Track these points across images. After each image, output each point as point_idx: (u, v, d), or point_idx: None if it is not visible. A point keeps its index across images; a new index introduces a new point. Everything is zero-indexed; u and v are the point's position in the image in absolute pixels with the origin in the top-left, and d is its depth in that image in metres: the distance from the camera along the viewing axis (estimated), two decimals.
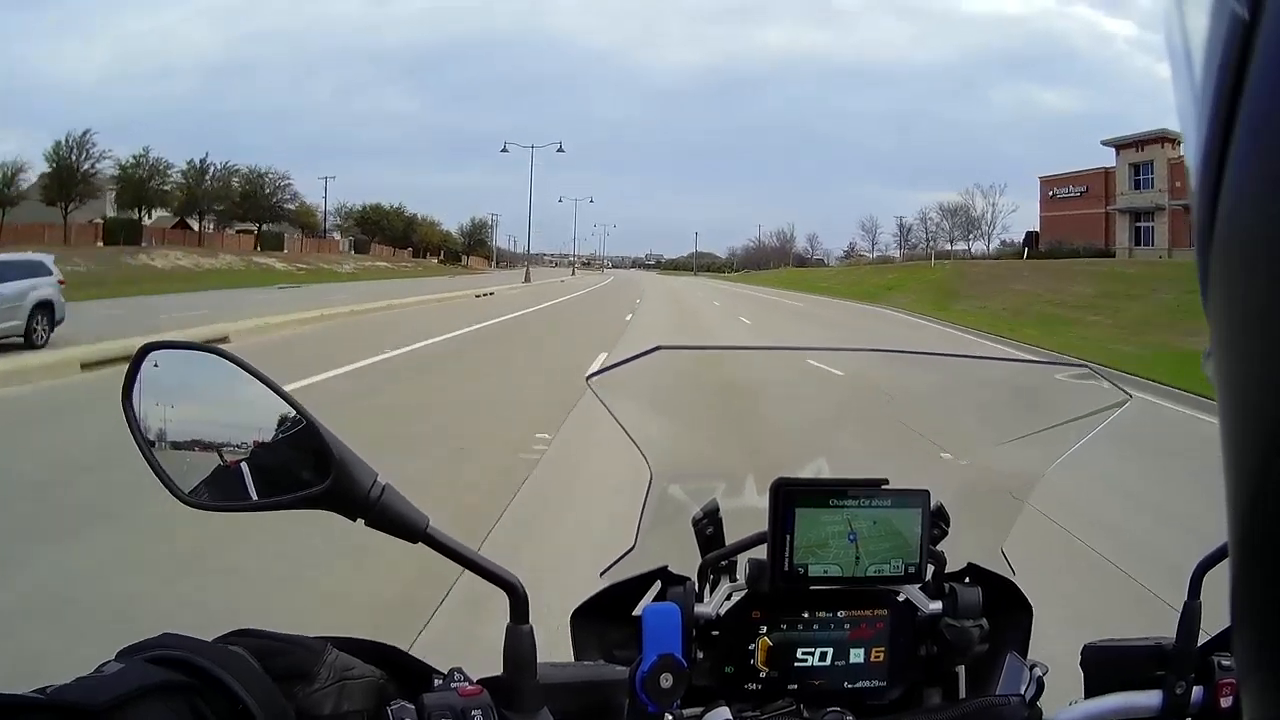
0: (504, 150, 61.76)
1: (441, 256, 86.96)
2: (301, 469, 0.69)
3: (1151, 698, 0.92)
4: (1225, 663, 0.92)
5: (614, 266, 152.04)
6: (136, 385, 0.71)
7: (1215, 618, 0.87)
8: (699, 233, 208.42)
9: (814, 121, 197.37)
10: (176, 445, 0.71)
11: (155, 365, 0.72)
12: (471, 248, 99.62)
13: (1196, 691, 0.91)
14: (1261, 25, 0.26)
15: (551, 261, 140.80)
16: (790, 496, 0.90)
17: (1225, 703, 0.90)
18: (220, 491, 0.71)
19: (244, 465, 0.70)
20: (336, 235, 72.67)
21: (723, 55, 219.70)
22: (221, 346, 0.72)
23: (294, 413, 0.70)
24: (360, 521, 0.70)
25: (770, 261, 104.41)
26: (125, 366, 0.72)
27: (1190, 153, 0.29)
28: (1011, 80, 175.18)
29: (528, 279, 50.71)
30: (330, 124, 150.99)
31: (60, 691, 0.53)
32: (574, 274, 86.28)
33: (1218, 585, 0.37)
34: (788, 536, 0.90)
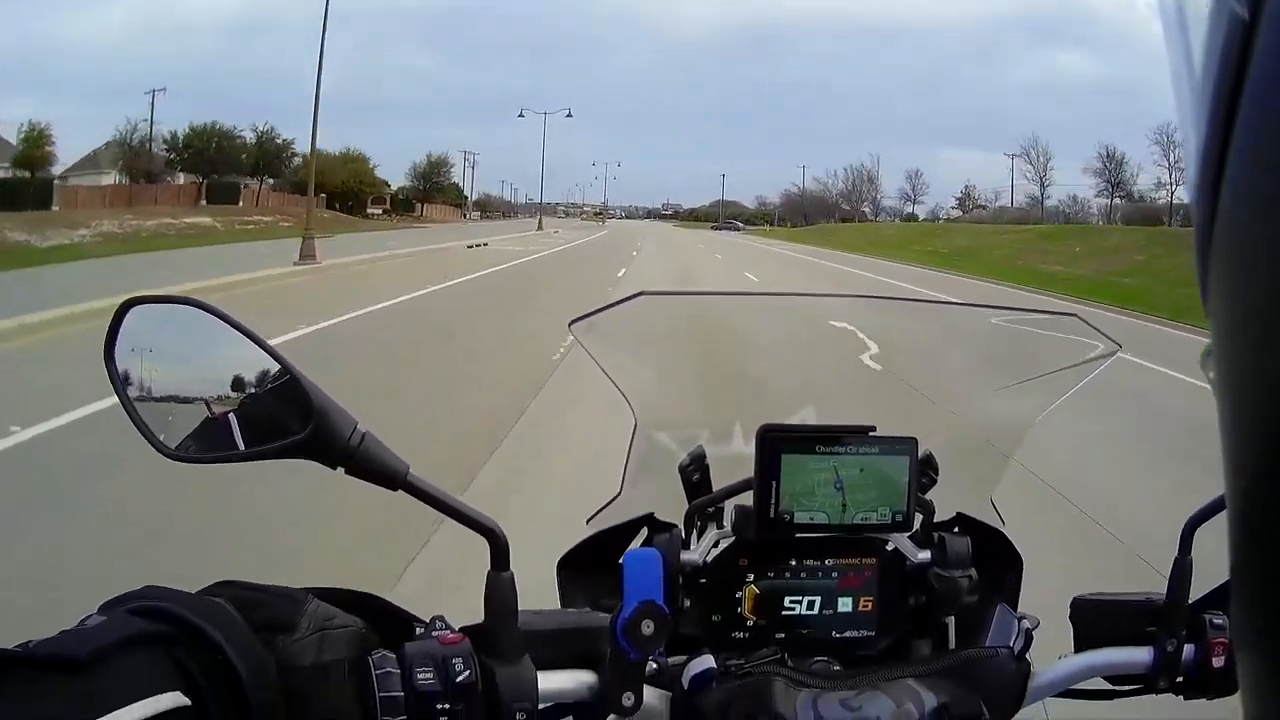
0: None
1: (387, 206, 71.09)
2: (284, 419, 0.69)
3: (1142, 654, 0.92)
4: (1217, 621, 0.92)
5: (626, 217, 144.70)
6: (118, 341, 0.71)
7: (1206, 574, 0.88)
8: (724, 182, 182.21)
9: (838, 79, 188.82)
10: (160, 400, 0.71)
11: (137, 320, 0.71)
12: (427, 194, 79.44)
13: (1188, 650, 0.91)
14: (1261, 25, 0.26)
15: (562, 211, 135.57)
16: (776, 443, 0.90)
17: (1217, 662, 0.90)
18: (204, 444, 0.71)
19: (230, 417, 0.70)
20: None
21: (746, 12, 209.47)
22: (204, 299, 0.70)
23: (276, 364, 0.70)
24: (340, 470, 0.70)
25: (812, 215, 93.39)
26: None
27: (1190, 152, 0.29)
28: (1036, 43, 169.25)
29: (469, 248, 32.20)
30: (349, 82, 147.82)
31: (42, 645, 0.54)
32: (540, 228, 64.13)
33: (1208, 541, 0.38)
34: (774, 483, 0.90)
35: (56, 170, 47.84)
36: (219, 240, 31.78)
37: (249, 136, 58.52)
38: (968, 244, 43.34)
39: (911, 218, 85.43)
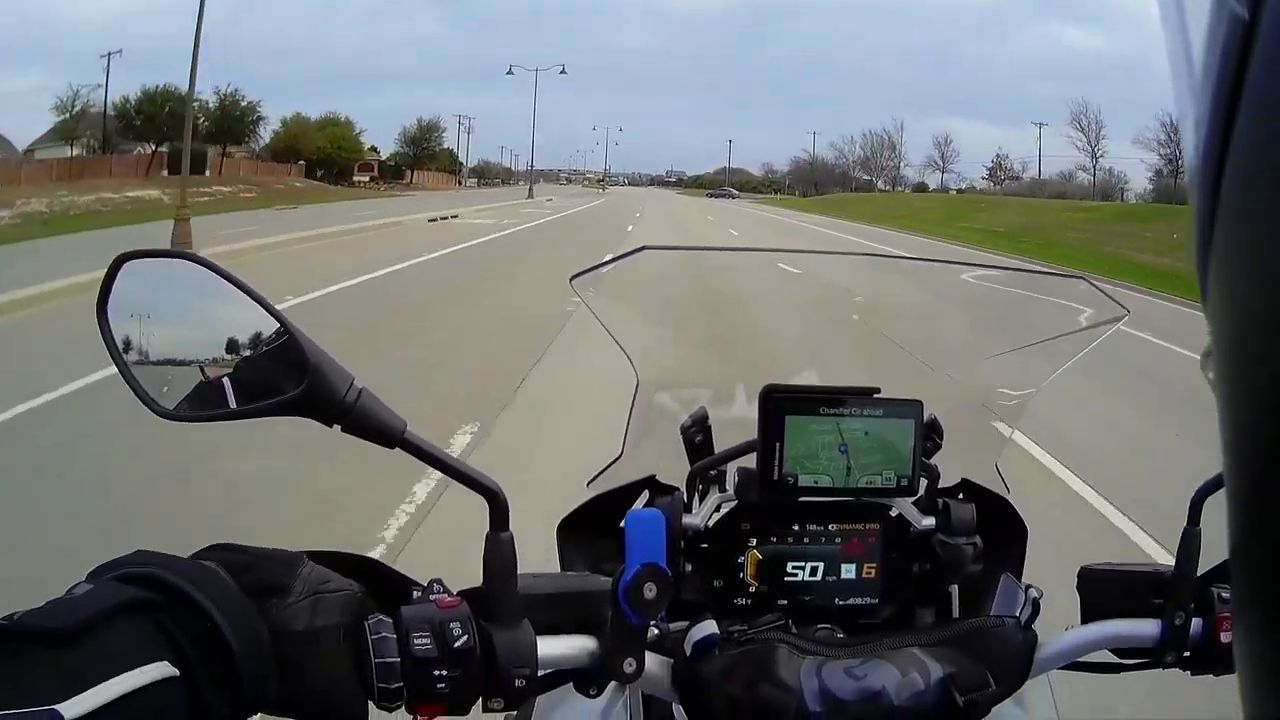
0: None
1: (375, 173, 66.71)
2: (280, 377, 0.68)
3: (1149, 627, 0.91)
4: (1225, 595, 0.90)
5: (630, 184, 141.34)
6: (112, 297, 0.69)
7: (1216, 545, 0.87)
8: (731, 149, 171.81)
9: (833, 53, 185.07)
10: (155, 358, 0.69)
11: (131, 275, 0.69)
12: (418, 160, 75.51)
13: (1196, 624, 0.90)
14: (1261, 25, 0.25)
15: (565, 178, 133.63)
16: (780, 404, 0.89)
17: (1225, 638, 0.89)
18: (199, 401, 0.69)
19: (224, 375, 0.69)
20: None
21: None
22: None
23: (272, 319, 0.68)
24: (337, 428, 0.68)
25: (823, 184, 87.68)
26: None
27: (1190, 152, 0.29)
28: (1038, 16, 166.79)
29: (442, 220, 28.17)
30: (355, 53, 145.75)
31: (27, 616, 0.53)
32: (531, 195, 58.60)
33: (1218, 511, 0.37)
34: (777, 445, 0.89)
35: (23, 144, 45.71)
36: (150, 217, 24.84)
37: (211, 100, 52.47)
38: (1025, 222, 36.28)
39: (921, 187, 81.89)
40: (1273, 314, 0.26)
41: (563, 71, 59.63)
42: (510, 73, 59.75)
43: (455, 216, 29.12)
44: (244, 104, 54.54)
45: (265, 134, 57.33)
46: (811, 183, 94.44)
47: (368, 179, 65.34)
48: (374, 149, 71.53)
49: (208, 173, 45.98)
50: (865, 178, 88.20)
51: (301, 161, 57.98)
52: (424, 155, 76.51)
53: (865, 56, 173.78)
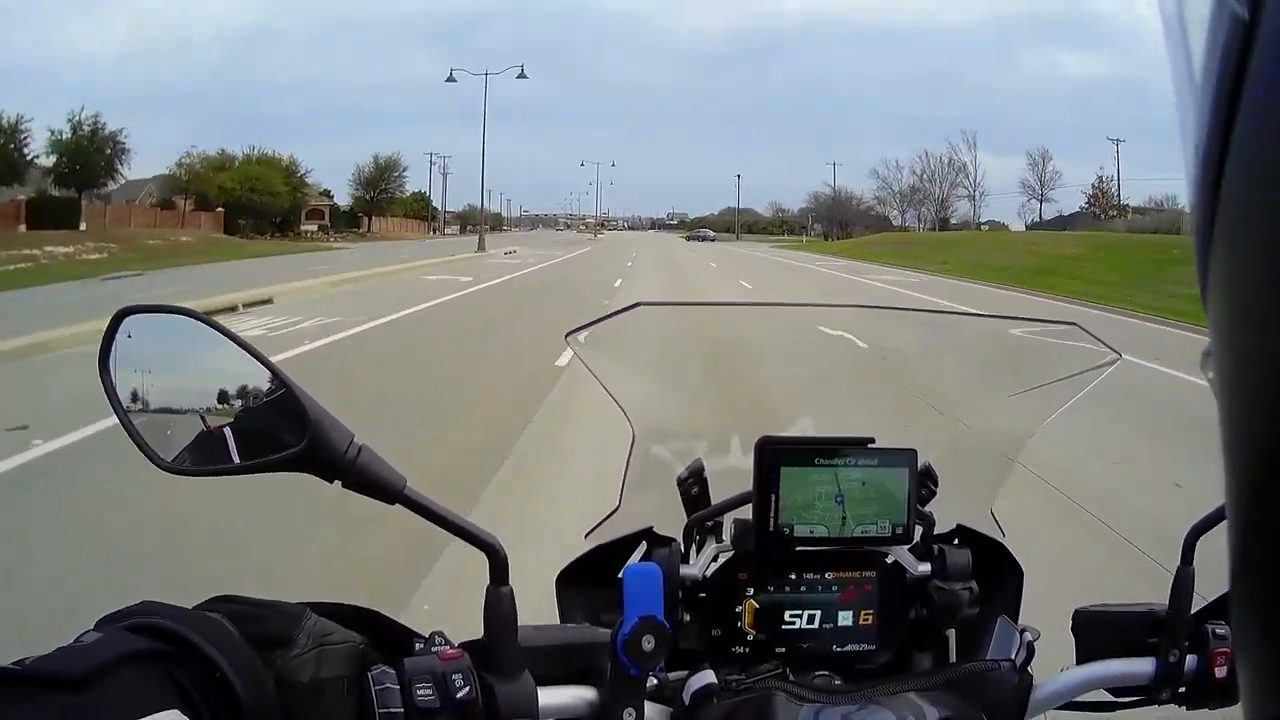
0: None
1: (325, 221, 59.28)
2: (279, 432, 0.69)
3: (1144, 665, 0.92)
4: (1220, 631, 0.91)
5: (629, 228, 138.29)
6: (113, 351, 0.70)
7: (1209, 583, 0.86)
8: (729, 193, 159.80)
9: (839, 86, 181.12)
10: (155, 411, 0.70)
11: (131, 332, 0.71)
12: (375, 205, 67.17)
13: (1190, 660, 0.91)
14: (1261, 25, 0.26)
15: (563, 223, 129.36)
16: (775, 455, 0.90)
17: (1220, 673, 0.90)
18: (200, 456, 0.70)
19: (225, 430, 0.69)
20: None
21: (744, 18, 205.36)
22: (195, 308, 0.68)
23: (271, 375, 0.69)
24: (338, 484, 0.69)
25: (845, 224, 75.15)
26: None
27: (1190, 152, 0.29)
28: (1038, 43, 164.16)
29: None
30: (352, 93, 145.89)
31: (38, 662, 0.53)
32: (481, 248, 40.65)
33: (1210, 550, 0.37)
34: (773, 496, 0.89)
35: None
36: None
37: (65, 130, 41.54)
38: None
39: (944, 223, 66.10)
40: (1273, 314, 0.26)
41: (521, 76, 50.13)
42: (452, 79, 49.45)
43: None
44: (103, 133, 43.05)
45: (127, 170, 45.97)
46: (835, 220, 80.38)
47: (315, 227, 59.31)
48: (326, 193, 65.02)
49: (84, 225, 36.39)
50: (897, 212, 74.21)
51: (220, 209, 49.10)
52: (382, 199, 69.11)
53: (867, 87, 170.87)
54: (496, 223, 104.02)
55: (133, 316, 0.71)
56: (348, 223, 63.52)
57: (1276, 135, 0.26)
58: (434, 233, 75.28)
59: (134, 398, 0.70)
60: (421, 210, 78.73)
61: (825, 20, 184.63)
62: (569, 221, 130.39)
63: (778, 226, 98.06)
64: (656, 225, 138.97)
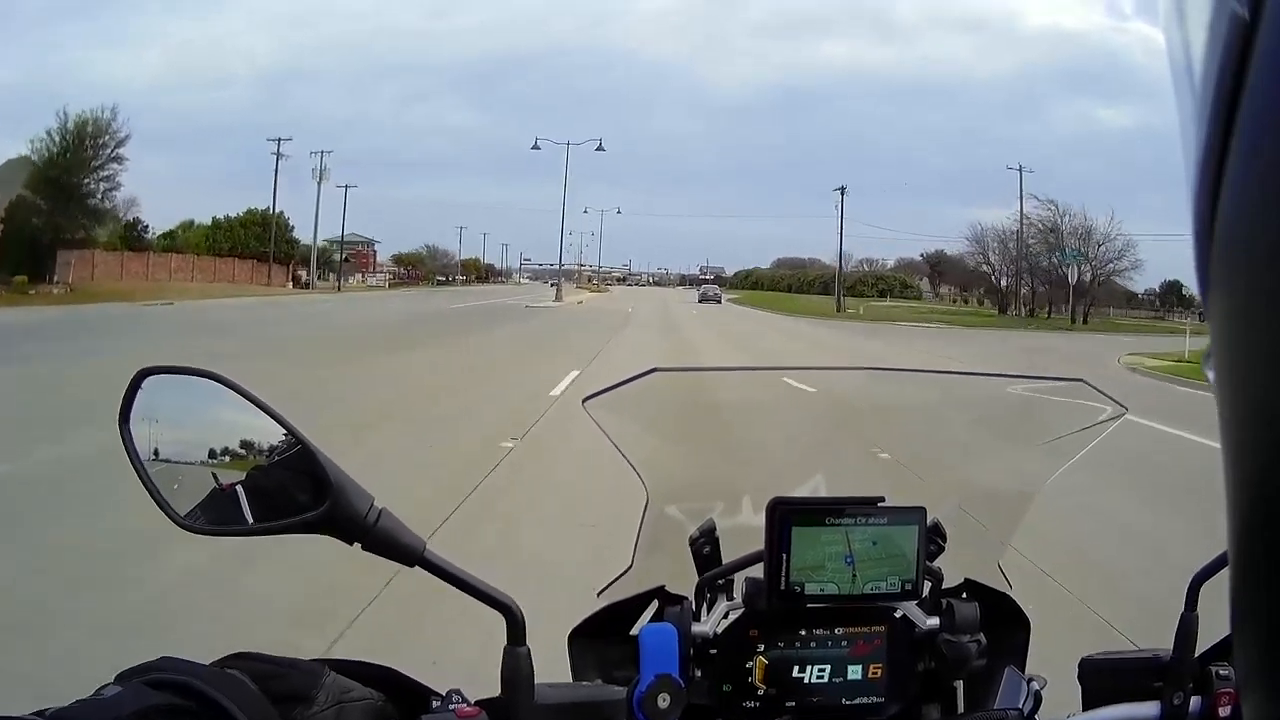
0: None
1: (290, 274, 53.82)
2: (297, 493, 0.70)
3: (1149, 709, 0.92)
4: (1223, 673, 0.92)
5: (656, 283, 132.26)
6: (134, 409, 0.71)
7: (1212, 629, 0.86)
8: (768, 247, 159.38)
9: (878, 139, 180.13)
10: (173, 469, 0.71)
11: (152, 390, 0.72)
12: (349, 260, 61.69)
13: (1194, 702, 0.92)
14: (1261, 25, 0.26)
15: (550, 281, 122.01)
16: (786, 515, 0.90)
17: (1224, 713, 0.91)
18: (217, 516, 0.71)
19: (239, 490, 0.70)
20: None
21: (784, 71, 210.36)
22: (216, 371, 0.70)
23: (290, 437, 0.70)
24: (357, 546, 0.70)
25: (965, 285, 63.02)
26: None
27: (1190, 153, 0.29)
28: (1070, 97, 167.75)
29: None
30: (387, 137, 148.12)
31: (58, 714, 0.53)
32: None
33: (1214, 597, 0.37)
34: (784, 556, 0.90)
35: None
36: None
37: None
38: None
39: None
40: (1273, 313, 0.26)
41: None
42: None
43: None
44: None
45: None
46: (990, 287, 59.34)
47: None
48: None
49: (57, 279, 32.14)
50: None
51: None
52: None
53: (907, 147, 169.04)
54: (486, 273, 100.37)
55: (153, 377, 0.72)
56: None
57: (1277, 135, 0.26)
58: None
59: (153, 454, 0.71)
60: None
61: (855, 79, 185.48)
62: (591, 275, 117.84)
63: (870, 285, 78.00)
64: (687, 282, 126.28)
